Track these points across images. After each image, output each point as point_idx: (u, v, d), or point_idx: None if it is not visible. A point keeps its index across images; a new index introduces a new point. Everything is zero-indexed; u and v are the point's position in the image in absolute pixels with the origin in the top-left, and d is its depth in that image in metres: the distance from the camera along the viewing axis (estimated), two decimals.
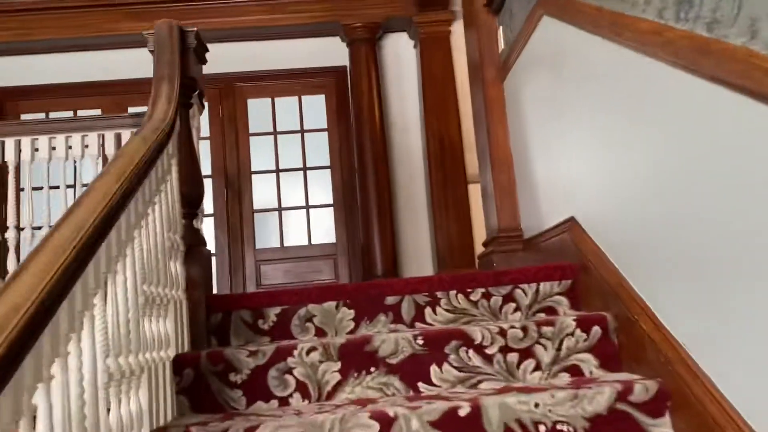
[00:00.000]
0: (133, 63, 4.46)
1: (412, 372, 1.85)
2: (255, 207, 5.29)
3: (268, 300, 2.15)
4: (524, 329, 1.91)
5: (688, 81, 1.49)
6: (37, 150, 2.80)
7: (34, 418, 1.02)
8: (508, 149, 3.00)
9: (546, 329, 1.91)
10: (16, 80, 5.03)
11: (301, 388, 1.84)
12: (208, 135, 5.33)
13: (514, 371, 1.88)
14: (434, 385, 1.85)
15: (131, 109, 4.47)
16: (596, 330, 1.92)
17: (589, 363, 1.90)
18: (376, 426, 1.54)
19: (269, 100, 5.44)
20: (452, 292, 2.18)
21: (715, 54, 1.36)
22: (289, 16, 5.17)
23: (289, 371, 1.85)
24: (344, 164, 5.37)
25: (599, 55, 2.01)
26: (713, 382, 1.48)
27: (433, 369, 1.86)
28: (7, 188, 2.86)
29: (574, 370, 1.90)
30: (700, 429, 1.49)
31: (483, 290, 2.19)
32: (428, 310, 2.17)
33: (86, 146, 2.74)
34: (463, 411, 1.56)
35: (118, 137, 2.78)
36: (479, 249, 4.99)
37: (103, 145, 2.75)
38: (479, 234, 4.98)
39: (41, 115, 4.94)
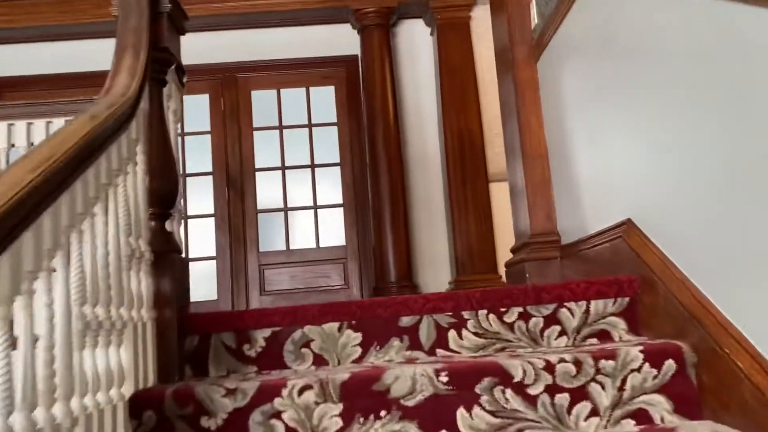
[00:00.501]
0: None
1: (434, 418, 1.45)
2: (259, 207, 4.91)
3: (256, 320, 1.75)
4: (577, 363, 1.49)
5: None
6: None
7: None
8: (543, 139, 2.58)
9: (605, 363, 1.49)
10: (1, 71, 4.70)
11: None
12: (208, 129, 4.97)
13: (564, 417, 1.47)
14: None
15: None
16: (669, 364, 1.50)
17: (660, 407, 1.48)
18: None
19: (274, 91, 5.05)
20: (482, 312, 1.77)
21: None
22: (296, 0, 4.79)
23: (277, 415, 1.45)
24: (355, 161, 4.98)
25: (670, 19, 1.59)
26: None
27: (461, 414, 1.45)
28: None
29: (641, 416, 1.48)
30: None
31: (520, 309, 1.77)
32: (452, 334, 1.76)
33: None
34: None
35: None
36: (501, 253, 4.60)
37: None
38: (501, 237, 4.57)
39: None
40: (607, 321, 1.78)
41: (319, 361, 1.74)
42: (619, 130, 1.95)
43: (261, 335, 1.74)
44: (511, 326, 1.77)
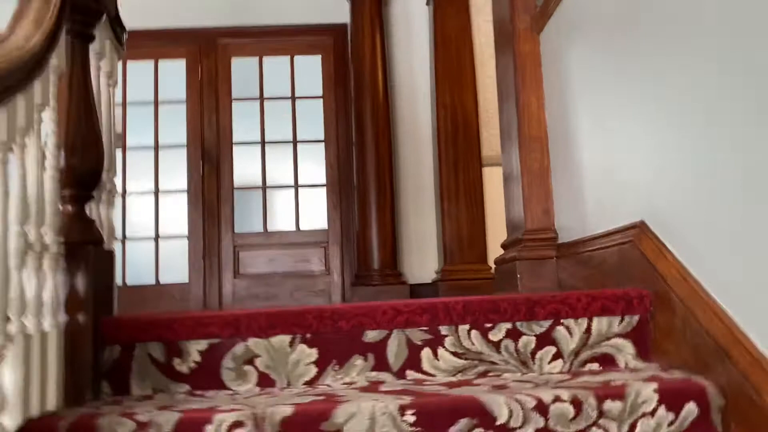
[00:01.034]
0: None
1: None
2: (235, 184, 4.60)
3: (191, 329, 1.45)
4: (576, 403, 1.20)
5: None
6: None
7: None
8: (543, 122, 2.27)
9: (611, 405, 1.20)
10: None
11: None
12: (184, 98, 4.62)
13: None
14: None
15: None
16: (690, 409, 1.21)
17: None
18: None
19: (256, 59, 4.71)
20: (463, 327, 1.48)
21: None
22: None
23: None
24: (341, 138, 4.66)
25: None
26: None
27: None
28: None
29: None
30: None
31: (508, 326, 1.48)
32: (427, 353, 1.47)
33: None
34: None
35: None
36: (492, 242, 4.31)
37: None
38: (492, 225, 4.28)
39: None
40: (612, 343, 1.49)
41: (265, 381, 1.44)
42: (635, 113, 1.64)
43: (195, 348, 1.44)
44: (496, 345, 1.48)
